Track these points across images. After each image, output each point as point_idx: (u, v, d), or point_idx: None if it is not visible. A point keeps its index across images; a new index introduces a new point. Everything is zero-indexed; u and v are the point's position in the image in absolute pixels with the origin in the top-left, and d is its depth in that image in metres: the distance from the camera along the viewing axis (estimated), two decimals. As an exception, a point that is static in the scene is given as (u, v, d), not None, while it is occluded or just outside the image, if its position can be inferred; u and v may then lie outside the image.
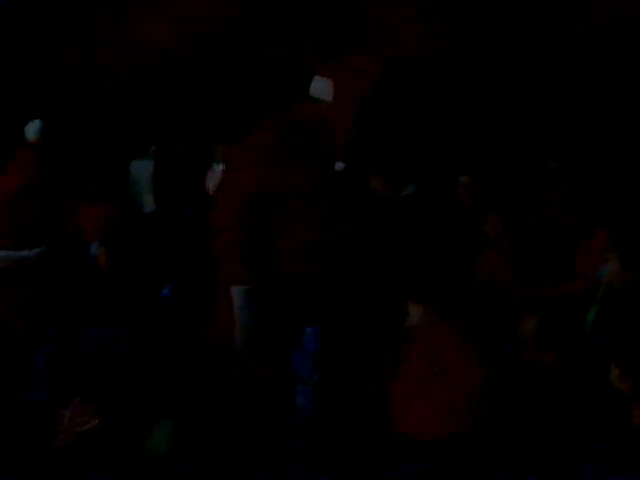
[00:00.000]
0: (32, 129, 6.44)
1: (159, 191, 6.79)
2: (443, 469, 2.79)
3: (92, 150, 7.35)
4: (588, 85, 6.61)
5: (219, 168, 7.03)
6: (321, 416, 3.71)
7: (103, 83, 7.87)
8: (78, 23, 7.99)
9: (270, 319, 3.41)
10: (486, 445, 2.91)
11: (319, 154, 3.37)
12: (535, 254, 5.07)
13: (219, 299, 3.48)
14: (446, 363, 2.83)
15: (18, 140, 6.48)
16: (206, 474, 3.49)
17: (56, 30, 7.95)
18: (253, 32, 7.45)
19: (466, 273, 4.57)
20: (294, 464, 3.43)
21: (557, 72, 6.73)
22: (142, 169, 7.11)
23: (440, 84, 6.81)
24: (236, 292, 3.42)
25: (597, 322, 3.66)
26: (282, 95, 6.54)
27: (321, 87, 3.39)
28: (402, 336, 2.89)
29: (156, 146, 7.07)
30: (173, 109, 7.24)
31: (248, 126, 3.49)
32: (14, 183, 6.08)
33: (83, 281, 6.05)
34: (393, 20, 6.84)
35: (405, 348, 2.85)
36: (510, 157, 6.45)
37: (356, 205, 3.49)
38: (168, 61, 7.65)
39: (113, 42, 7.74)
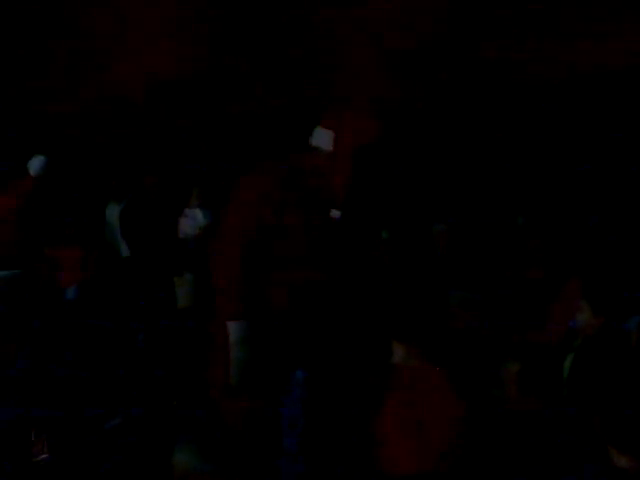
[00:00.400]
0: (36, 164, 6.75)
1: (129, 236, 6.83)
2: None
3: (74, 192, 7.42)
4: (560, 135, 6.82)
5: (192, 212, 7.14)
6: (308, 459, 3.78)
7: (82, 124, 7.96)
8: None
9: (264, 356, 3.48)
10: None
11: (316, 200, 3.48)
12: (508, 305, 5.19)
13: (216, 335, 3.54)
14: (427, 403, 2.92)
15: (19, 169, 6.63)
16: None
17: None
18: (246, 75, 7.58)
19: (445, 318, 4.69)
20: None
21: (534, 124, 6.93)
22: (115, 214, 7.16)
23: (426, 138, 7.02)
24: (232, 327, 3.47)
25: (573, 369, 3.76)
26: (279, 142, 6.71)
27: (322, 137, 3.52)
28: (386, 376, 2.98)
29: (132, 193, 7.12)
30: (153, 152, 7.32)
31: (241, 170, 3.61)
32: (6, 206, 6.41)
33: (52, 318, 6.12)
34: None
35: (388, 388, 2.93)
36: (481, 210, 6.61)
37: (348, 251, 3.60)
38: (150, 100, 7.75)
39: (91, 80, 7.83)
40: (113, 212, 7.18)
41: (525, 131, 6.89)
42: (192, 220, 7.17)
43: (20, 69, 8.08)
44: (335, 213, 3.51)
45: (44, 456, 4.55)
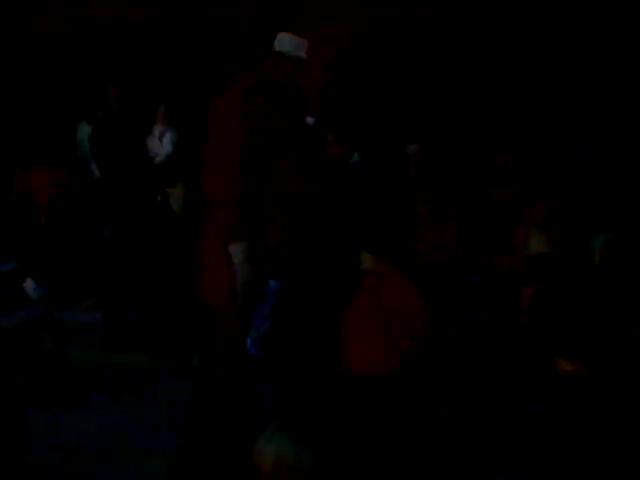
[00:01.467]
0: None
1: (99, 156, 6.87)
2: (385, 406, 3.04)
3: (43, 112, 7.43)
4: (536, 54, 6.86)
5: (159, 130, 7.19)
6: (265, 360, 3.93)
7: (53, 46, 7.90)
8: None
9: (264, 274, 3.59)
10: (428, 385, 3.17)
11: (290, 106, 3.55)
12: (477, 226, 5.31)
13: (209, 256, 3.60)
14: (394, 305, 3.06)
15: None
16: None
17: None
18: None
19: (415, 236, 4.82)
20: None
21: (506, 48, 6.98)
22: (86, 133, 7.19)
23: (401, 56, 7.05)
24: (235, 250, 3.55)
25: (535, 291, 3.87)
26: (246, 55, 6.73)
27: (289, 43, 3.57)
28: (354, 280, 3.11)
29: (103, 112, 7.12)
30: (124, 72, 7.30)
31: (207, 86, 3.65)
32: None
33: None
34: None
35: (356, 291, 3.07)
36: (456, 131, 6.71)
37: (320, 161, 3.68)
38: (123, 23, 7.70)
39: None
40: (84, 132, 7.22)
41: (500, 52, 6.94)
42: (160, 138, 7.23)
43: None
44: (310, 120, 3.58)
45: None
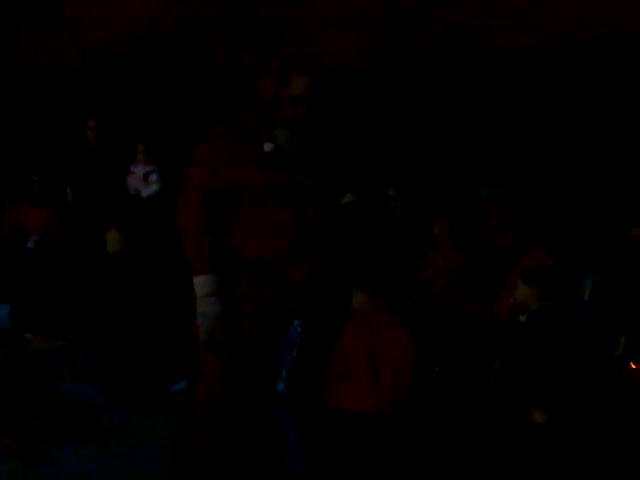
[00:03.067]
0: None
1: (77, 194, 7.01)
2: (369, 444, 3.04)
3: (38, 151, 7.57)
4: (529, 100, 6.95)
5: (138, 168, 7.31)
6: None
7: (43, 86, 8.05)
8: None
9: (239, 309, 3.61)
10: (413, 424, 3.17)
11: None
12: (475, 268, 5.33)
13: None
14: (380, 343, 3.08)
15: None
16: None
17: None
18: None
19: (409, 272, 4.83)
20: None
21: (501, 87, 7.06)
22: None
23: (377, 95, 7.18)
24: (199, 281, 3.59)
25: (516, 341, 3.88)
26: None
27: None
28: (344, 318, 3.12)
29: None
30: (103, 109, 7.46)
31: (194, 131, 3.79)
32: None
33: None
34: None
35: (345, 329, 3.08)
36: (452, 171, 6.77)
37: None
38: (107, 61, 7.84)
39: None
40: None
41: (496, 95, 7.03)
42: (146, 177, 7.34)
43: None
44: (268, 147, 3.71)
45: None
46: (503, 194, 5.93)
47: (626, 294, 4.27)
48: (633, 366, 3.74)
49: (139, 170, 7.26)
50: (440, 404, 3.67)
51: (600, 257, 4.87)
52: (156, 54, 7.92)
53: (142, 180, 7.25)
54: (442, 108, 7.15)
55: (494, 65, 7.00)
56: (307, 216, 3.66)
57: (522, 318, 4.12)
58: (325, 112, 3.70)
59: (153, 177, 7.25)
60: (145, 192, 7.23)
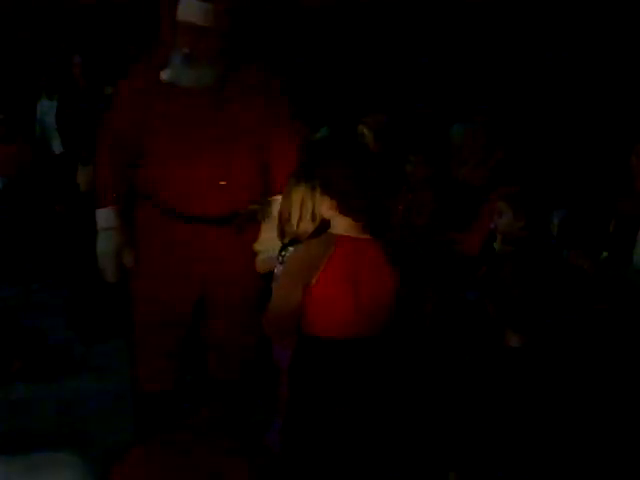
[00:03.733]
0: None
1: (64, 133, 6.92)
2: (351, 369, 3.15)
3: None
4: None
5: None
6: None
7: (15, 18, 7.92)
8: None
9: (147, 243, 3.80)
10: (393, 346, 3.28)
11: None
12: (448, 203, 5.38)
13: None
14: (362, 268, 3.15)
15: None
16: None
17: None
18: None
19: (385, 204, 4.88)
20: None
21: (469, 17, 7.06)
22: (49, 110, 7.21)
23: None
24: (96, 216, 3.75)
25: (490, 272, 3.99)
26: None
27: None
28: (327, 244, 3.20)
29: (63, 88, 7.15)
30: (90, 44, 7.33)
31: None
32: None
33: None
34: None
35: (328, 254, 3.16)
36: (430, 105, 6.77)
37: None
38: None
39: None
40: (45, 108, 7.24)
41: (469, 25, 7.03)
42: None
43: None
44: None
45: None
46: (474, 130, 5.95)
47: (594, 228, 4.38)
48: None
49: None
50: (418, 329, 3.79)
51: (569, 192, 4.95)
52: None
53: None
54: (415, 40, 7.15)
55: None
56: (229, 154, 3.59)
57: (496, 246, 4.21)
58: (248, 45, 3.60)
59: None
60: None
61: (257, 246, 3.78)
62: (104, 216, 3.67)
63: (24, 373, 4.74)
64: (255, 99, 3.64)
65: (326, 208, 3.20)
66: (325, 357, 3.12)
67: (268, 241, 3.73)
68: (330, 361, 3.12)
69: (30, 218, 6.35)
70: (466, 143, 5.77)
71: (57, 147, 6.93)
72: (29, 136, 7.08)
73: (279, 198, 3.64)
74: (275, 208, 3.68)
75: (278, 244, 3.60)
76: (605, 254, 4.21)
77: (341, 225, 3.16)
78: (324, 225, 3.38)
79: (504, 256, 3.97)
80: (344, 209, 3.14)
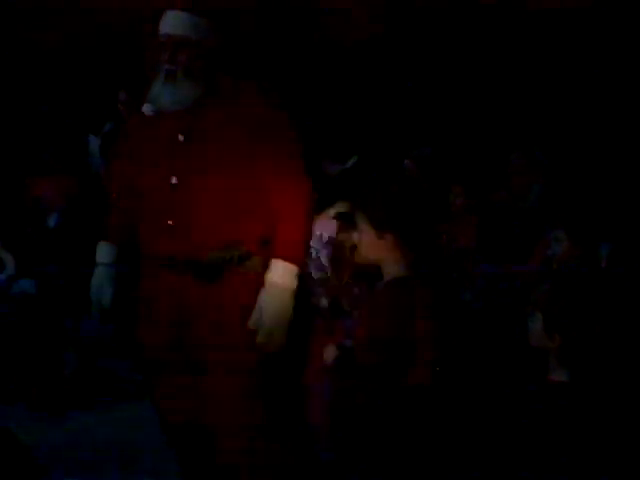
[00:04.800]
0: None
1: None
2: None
3: (49, 121, 7.64)
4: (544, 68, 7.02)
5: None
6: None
7: (63, 55, 8.10)
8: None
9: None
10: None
11: None
12: (497, 231, 5.44)
13: None
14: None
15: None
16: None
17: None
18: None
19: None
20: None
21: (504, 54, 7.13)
22: (96, 145, 7.42)
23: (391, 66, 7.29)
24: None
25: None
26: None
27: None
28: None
29: (112, 124, 7.32)
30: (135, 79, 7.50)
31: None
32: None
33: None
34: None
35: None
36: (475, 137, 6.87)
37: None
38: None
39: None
40: (94, 144, 7.44)
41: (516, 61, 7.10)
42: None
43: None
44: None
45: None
46: (527, 159, 5.98)
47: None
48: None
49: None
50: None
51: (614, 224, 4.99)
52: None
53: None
54: (455, 73, 7.25)
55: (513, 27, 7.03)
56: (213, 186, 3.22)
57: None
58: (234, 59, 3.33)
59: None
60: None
61: (251, 324, 3.28)
62: (99, 250, 3.54)
63: (79, 401, 4.84)
64: (243, 128, 3.25)
65: (384, 247, 3.15)
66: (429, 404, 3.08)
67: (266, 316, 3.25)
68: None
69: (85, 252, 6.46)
70: (521, 171, 5.85)
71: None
72: (79, 170, 7.25)
73: (281, 265, 3.23)
74: (277, 272, 3.23)
75: (282, 322, 3.24)
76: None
77: (397, 264, 3.15)
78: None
79: (560, 284, 4.02)
80: (404, 245, 3.14)
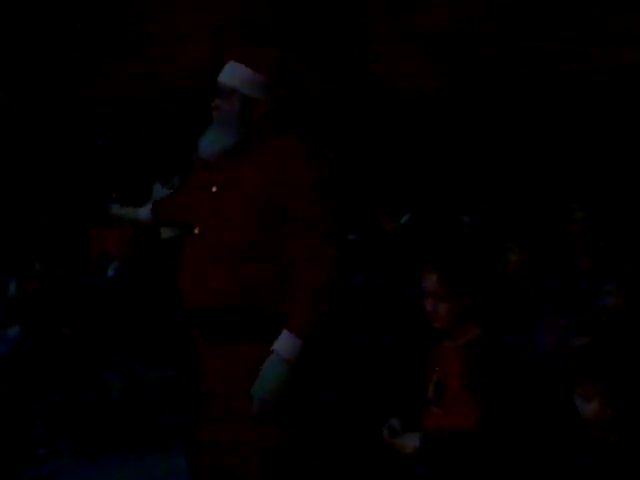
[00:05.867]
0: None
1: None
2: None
3: (112, 173, 7.88)
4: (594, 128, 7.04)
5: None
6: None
7: (126, 108, 8.35)
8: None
9: None
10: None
11: None
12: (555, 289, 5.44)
13: None
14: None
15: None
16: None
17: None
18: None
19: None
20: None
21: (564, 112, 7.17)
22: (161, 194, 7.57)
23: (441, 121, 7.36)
24: None
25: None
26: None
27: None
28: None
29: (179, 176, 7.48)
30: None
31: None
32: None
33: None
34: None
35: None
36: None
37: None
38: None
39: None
40: (159, 192, 7.60)
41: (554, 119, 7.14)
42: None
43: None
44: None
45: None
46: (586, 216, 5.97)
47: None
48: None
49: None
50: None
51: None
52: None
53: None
54: (508, 129, 7.31)
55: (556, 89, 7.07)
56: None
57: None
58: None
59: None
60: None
61: (252, 391, 3.24)
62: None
63: (134, 445, 4.93)
64: (269, 185, 3.26)
65: (455, 310, 3.21)
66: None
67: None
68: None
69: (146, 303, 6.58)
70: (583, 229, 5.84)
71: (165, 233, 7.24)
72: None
73: (287, 335, 3.19)
74: (281, 342, 3.19)
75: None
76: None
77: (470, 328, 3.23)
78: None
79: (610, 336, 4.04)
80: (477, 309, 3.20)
